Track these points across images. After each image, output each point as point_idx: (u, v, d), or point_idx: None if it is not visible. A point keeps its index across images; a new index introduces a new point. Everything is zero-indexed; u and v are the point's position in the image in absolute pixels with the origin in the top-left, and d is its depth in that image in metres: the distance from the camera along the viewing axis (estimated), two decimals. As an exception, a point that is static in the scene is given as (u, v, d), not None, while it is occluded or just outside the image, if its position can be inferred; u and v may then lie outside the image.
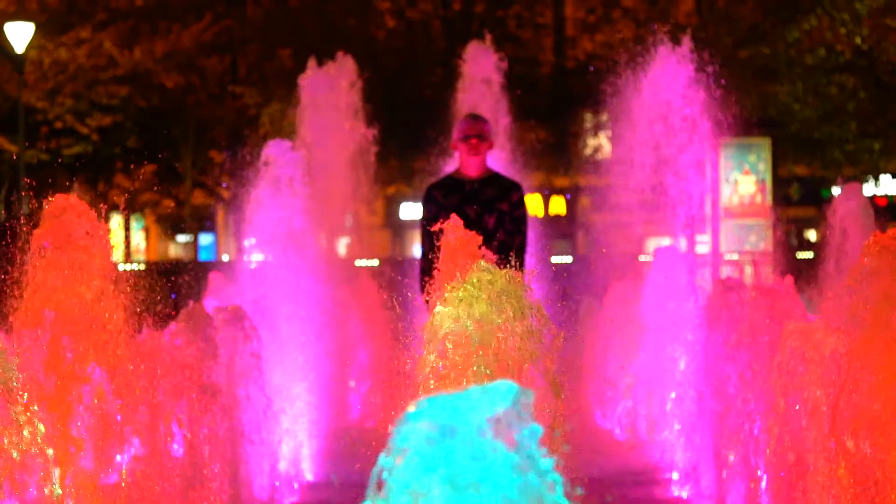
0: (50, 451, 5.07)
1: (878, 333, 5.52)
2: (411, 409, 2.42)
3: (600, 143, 42.11)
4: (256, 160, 10.54)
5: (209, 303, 9.25)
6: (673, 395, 10.06)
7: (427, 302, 5.61)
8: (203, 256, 48.02)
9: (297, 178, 10.47)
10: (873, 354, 5.54)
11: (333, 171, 14.43)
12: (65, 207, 5.84)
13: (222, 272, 12.30)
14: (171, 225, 47.91)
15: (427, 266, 7.91)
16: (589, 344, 13.54)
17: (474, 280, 4.77)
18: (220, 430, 7.68)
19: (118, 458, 5.80)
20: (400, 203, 45.34)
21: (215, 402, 7.61)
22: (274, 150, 10.49)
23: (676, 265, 11.02)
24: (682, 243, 13.83)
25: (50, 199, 5.83)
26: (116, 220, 37.08)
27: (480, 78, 16.26)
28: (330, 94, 14.76)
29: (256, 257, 10.63)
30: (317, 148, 14.35)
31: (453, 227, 6.26)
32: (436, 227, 6.49)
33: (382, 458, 2.42)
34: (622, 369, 11.99)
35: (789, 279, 7.60)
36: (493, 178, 10.03)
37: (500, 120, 15.68)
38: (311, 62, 15.04)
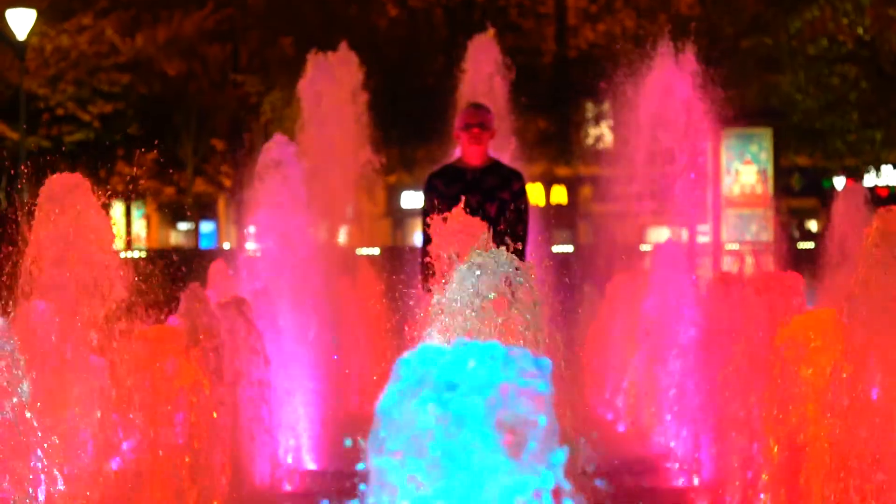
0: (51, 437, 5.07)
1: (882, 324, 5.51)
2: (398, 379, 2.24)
3: (602, 133, 42.05)
4: (258, 150, 10.52)
5: (211, 295, 9.24)
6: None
7: (428, 290, 5.61)
8: (204, 244, 48.03)
9: (298, 176, 10.46)
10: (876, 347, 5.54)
11: (335, 164, 14.40)
12: (71, 186, 5.83)
13: (224, 262, 12.26)
14: (172, 213, 47.89)
15: (428, 255, 7.90)
16: (589, 333, 13.55)
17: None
18: (220, 419, 7.69)
19: (120, 446, 5.80)
20: (401, 192, 45.31)
21: (218, 390, 7.61)
22: (276, 150, 10.46)
23: (676, 261, 11.02)
24: (684, 233, 13.80)
25: (53, 178, 5.82)
26: (118, 208, 37.07)
27: (484, 73, 16.20)
28: (333, 87, 14.70)
29: (257, 246, 10.63)
30: (319, 141, 14.32)
31: (458, 215, 6.24)
32: (430, 220, 6.48)
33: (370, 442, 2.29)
34: (623, 361, 12.00)
35: (795, 275, 7.58)
36: (494, 166, 10.02)
37: (501, 110, 15.64)
38: (312, 55, 14.96)
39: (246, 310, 8.54)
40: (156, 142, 38.08)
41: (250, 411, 8.45)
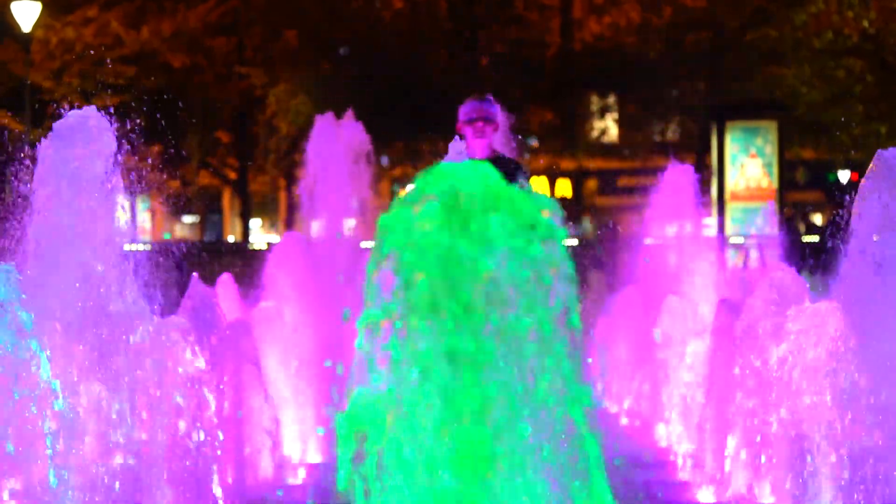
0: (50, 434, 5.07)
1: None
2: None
3: (606, 126, 42.00)
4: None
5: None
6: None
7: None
8: (208, 237, 48.05)
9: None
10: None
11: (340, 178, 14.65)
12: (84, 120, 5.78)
13: (231, 274, 12.36)
14: (177, 206, 47.87)
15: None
16: (594, 325, 13.55)
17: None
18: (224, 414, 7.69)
19: (123, 441, 5.80)
20: (405, 185, 45.28)
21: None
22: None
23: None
24: (688, 227, 13.80)
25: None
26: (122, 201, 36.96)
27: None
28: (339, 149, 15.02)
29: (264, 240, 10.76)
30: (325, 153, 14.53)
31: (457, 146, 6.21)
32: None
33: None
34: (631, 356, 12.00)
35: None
36: (496, 159, 9.99)
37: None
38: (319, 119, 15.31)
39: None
40: (158, 134, 38.02)
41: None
